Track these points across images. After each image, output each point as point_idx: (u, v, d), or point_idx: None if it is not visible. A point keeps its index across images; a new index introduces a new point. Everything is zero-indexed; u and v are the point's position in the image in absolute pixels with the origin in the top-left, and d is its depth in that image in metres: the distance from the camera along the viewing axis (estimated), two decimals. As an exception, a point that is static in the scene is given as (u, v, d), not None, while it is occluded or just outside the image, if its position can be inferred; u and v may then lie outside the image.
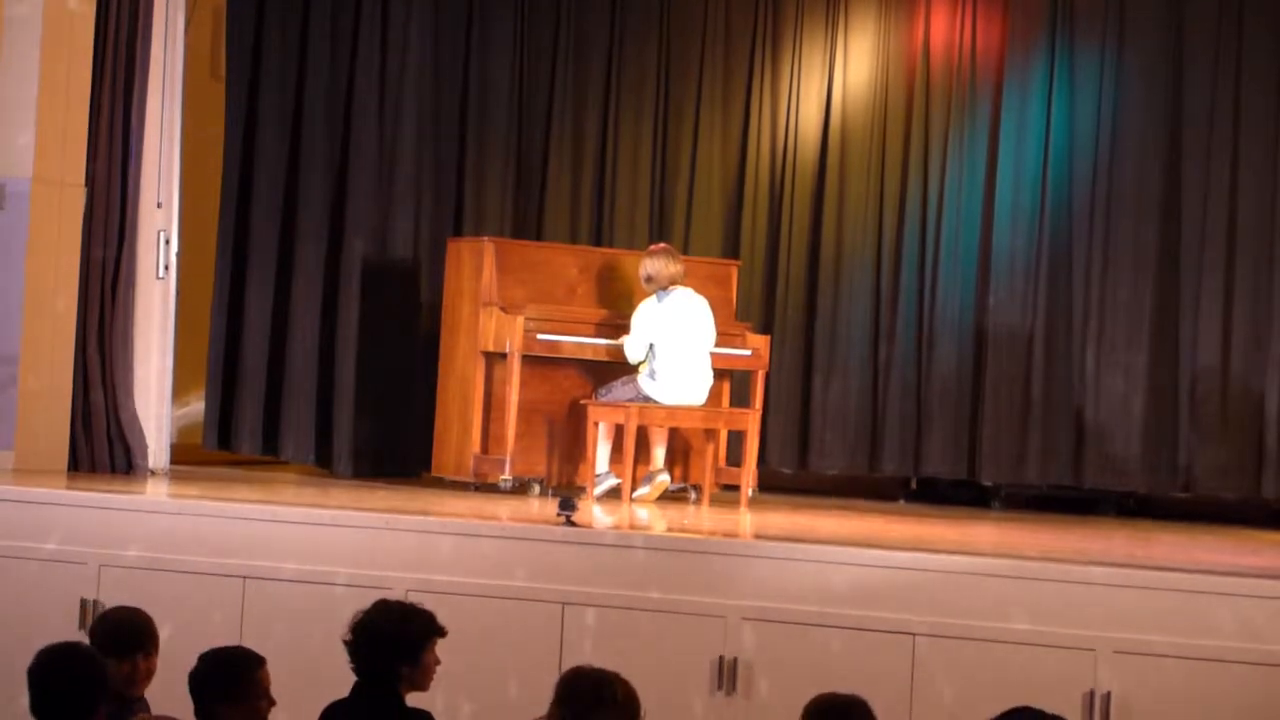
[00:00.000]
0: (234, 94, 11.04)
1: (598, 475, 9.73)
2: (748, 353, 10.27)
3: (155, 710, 5.22)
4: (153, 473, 9.99)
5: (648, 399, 9.64)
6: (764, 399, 10.36)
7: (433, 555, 7.79)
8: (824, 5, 11.46)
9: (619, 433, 9.63)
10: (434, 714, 5.33)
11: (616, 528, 8.37)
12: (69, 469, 9.71)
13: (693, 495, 10.17)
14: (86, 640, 5.61)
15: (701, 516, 9.49)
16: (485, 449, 9.92)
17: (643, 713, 4.68)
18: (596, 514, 8.96)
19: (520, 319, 9.72)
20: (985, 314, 11.05)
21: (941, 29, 11.27)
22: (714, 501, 9.91)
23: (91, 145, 9.82)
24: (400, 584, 7.45)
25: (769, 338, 10.53)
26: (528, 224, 11.38)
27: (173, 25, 10.22)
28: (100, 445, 9.83)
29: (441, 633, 5.42)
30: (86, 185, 9.82)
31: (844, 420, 11.23)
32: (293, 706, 6.71)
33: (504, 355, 9.79)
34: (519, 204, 11.43)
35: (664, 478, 9.90)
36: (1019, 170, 11.03)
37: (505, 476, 9.80)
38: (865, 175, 11.31)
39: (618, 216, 11.47)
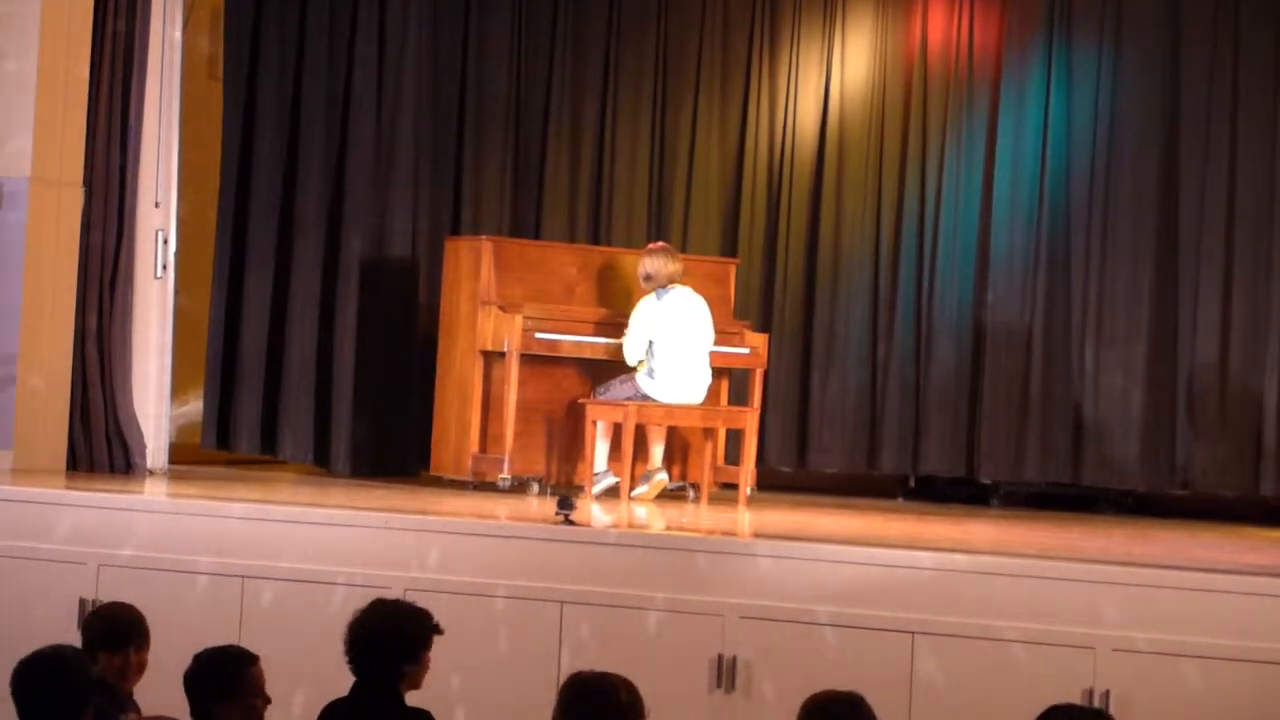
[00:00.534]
0: (231, 93, 11.04)
1: (596, 474, 9.73)
2: (746, 351, 10.26)
3: (153, 710, 5.20)
4: (151, 472, 9.99)
5: (646, 397, 9.64)
6: (762, 397, 10.35)
7: (431, 554, 7.78)
8: (821, 3, 11.47)
9: (617, 431, 9.62)
10: (433, 713, 5.33)
11: (615, 526, 8.36)
12: (67, 468, 9.71)
13: (691, 494, 10.16)
14: (81, 637, 5.63)
15: (700, 515, 9.48)
16: (484, 448, 9.92)
17: (646, 713, 4.64)
18: (595, 513, 8.95)
19: (519, 318, 9.72)
20: (983, 311, 11.04)
21: (939, 25, 11.26)
22: (712, 500, 9.89)
23: (89, 145, 9.83)
24: (398, 583, 7.46)
25: (767, 336, 10.52)
26: (526, 222, 11.38)
27: (170, 25, 10.23)
28: (99, 445, 9.84)
29: (439, 631, 5.43)
30: (84, 185, 9.82)
31: (842, 418, 11.23)
32: (292, 706, 6.73)
33: (502, 354, 9.78)
34: (517, 202, 11.43)
35: (662, 476, 9.90)
36: (1017, 167, 11.02)
37: (504, 475, 9.80)
38: (863, 173, 11.31)
39: (615, 215, 11.46)
